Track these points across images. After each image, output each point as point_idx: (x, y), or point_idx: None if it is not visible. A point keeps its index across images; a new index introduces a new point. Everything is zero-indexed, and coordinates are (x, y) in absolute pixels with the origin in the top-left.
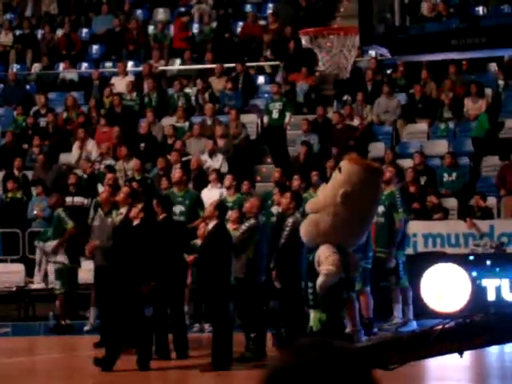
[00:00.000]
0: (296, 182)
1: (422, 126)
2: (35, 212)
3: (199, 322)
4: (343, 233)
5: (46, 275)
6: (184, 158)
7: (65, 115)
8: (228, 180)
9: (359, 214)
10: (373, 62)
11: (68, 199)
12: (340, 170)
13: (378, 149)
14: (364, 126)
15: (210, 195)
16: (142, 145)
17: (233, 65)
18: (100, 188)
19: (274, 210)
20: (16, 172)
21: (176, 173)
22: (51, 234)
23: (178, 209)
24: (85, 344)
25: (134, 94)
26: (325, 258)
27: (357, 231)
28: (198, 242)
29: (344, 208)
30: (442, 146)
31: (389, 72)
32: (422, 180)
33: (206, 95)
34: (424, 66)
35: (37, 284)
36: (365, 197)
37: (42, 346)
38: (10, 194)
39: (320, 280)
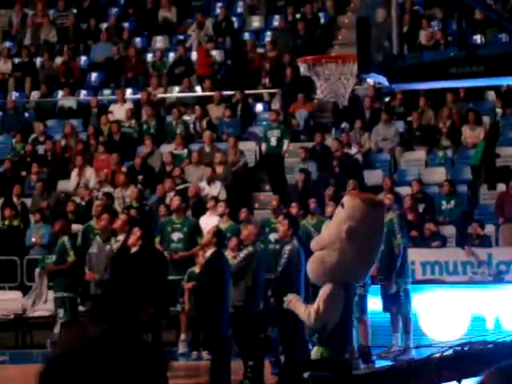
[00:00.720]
0: (294, 210)
1: (420, 153)
2: (33, 239)
3: (197, 349)
4: (350, 269)
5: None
6: (181, 186)
7: (63, 143)
8: (221, 207)
9: (366, 248)
10: (371, 89)
11: None
12: (343, 205)
13: (376, 176)
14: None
15: (208, 222)
16: (140, 177)
17: (232, 92)
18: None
19: (272, 237)
20: (15, 199)
21: (174, 200)
22: (54, 261)
23: (176, 236)
24: None
25: (133, 122)
26: (322, 301)
27: (364, 265)
28: (196, 269)
29: (349, 243)
30: (440, 174)
31: (387, 100)
32: (421, 208)
33: (204, 122)
34: (422, 94)
35: (34, 312)
36: (369, 230)
37: None
38: (7, 222)
39: (302, 317)
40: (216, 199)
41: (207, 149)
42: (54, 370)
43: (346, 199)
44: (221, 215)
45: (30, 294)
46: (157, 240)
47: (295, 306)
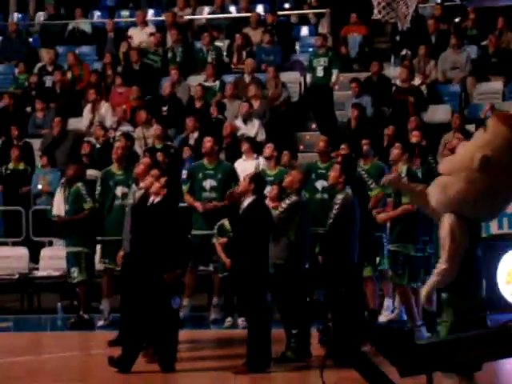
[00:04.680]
0: (344, 152)
1: (497, 84)
2: (40, 186)
3: (231, 315)
4: (476, 204)
5: None
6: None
7: (74, 73)
8: (268, 150)
9: (499, 184)
10: (438, 8)
11: None
12: (485, 128)
13: (443, 112)
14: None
15: (246, 167)
16: (165, 108)
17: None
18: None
19: (319, 184)
20: (15, 141)
21: (206, 141)
22: (67, 212)
23: (208, 184)
24: (98, 341)
25: (156, 48)
26: (447, 240)
27: (494, 202)
28: (227, 222)
29: (481, 175)
30: None
31: (457, 20)
32: None
33: (241, 49)
34: (500, 13)
35: (42, 271)
36: (508, 165)
37: (49, 344)
38: (10, 166)
39: (430, 281)
40: (251, 140)
41: (247, 79)
42: None
43: (490, 121)
44: (267, 159)
45: None
46: (185, 188)
47: None
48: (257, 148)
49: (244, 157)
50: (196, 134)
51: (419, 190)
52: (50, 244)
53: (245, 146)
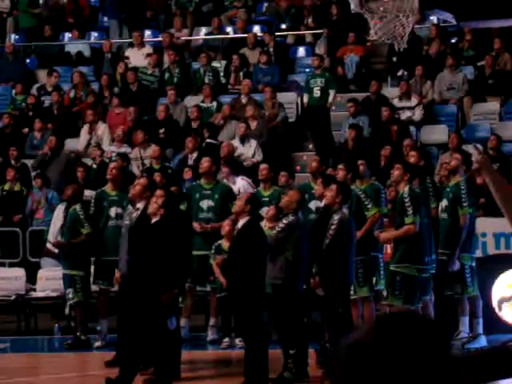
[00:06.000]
0: (341, 173)
1: (493, 105)
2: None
3: (229, 336)
4: None
5: None
6: (207, 141)
7: (72, 94)
8: (264, 171)
9: None
10: (434, 29)
11: None
12: None
13: (440, 132)
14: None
15: (245, 188)
16: (162, 131)
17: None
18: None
19: (312, 205)
20: (13, 162)
21: (204, 162)
22: (64, 235)
23: (205, 204)
24: (95, 362)
25: (153, 69)
26: None
27: None
28: (224, 242)
29: None
30: None
31: (453, 41)
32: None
33: (237, 70)
34: (496, 34)
35: (39, 292)
36: None
37: (47, 365)
38: (6, 187)
39: None
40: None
41: (244, 100)
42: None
43: None
44: (263, 180)
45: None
46: (182, 208)
47: None
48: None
49: (241, 177)
50: (195, 155)
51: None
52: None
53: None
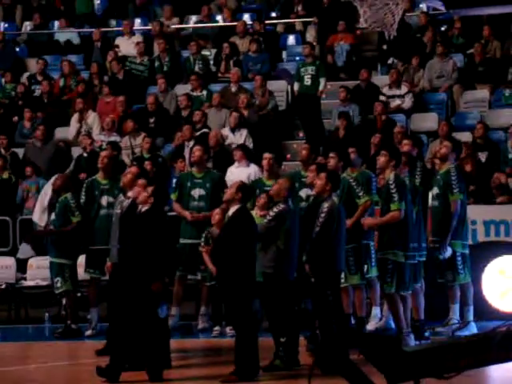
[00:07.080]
0: (332, 161)
1: (483, 92)
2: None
3: (219, 324)
4: None
5: None
6: (198, 132)
7: (61, 83)
8: (266, 159)
9: None
10: (424, 17)
11: None
12: None
13: (430, 120)
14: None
15: (240, 175)
16: (152, 120)
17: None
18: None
19: (303, 193)
20: (2, 150)
21: (195, 150)
22: (54, 223)
23: (197, 193)
24: (86, 350)
25: (143, 58)
26: None
27: None
28: (215, 230)
29: None
30: (506, 117)
31: (443, 29)
32: (483, 156)
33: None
34: (486, 22)
35: (30, 281)
36: None
37: (37, 354)
38: None
39: None
40: (244, 148)
41: (233, 89)
42: None
43: None
44: (268, 170)
45: None
46: (173, 197)
47: None
48: (250, 156)
49: (236, 164)
50: (192, 143)
51: None
52: (38, 254)
53: (238, 154)
